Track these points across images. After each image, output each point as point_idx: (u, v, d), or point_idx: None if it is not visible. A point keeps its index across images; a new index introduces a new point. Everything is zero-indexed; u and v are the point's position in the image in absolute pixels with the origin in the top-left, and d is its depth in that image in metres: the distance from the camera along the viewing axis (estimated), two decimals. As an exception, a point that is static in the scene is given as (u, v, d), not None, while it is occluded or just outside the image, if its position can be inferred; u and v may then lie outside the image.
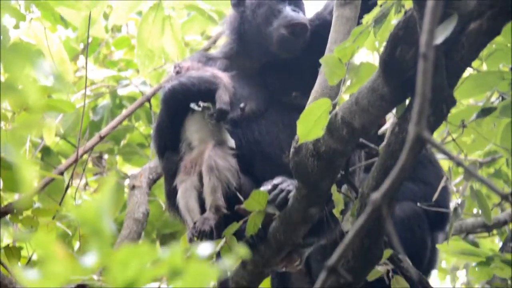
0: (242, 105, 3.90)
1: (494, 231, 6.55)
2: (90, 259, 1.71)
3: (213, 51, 4.41)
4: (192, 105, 3.81)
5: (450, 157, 1.74)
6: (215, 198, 3.69)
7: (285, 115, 3.92)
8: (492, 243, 6.88)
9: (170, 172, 3.93)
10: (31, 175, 1.93)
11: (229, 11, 4.40)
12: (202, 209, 3.75)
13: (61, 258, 1.68)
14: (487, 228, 6.23)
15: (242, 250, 2.18)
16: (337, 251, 1.43)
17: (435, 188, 4.12)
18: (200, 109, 3.80)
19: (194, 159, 3.83)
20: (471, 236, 6.48)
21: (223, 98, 3.80)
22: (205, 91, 3.83)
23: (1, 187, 4.14)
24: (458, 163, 1.78)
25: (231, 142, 3.84)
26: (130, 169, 6.30)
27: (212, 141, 3.82)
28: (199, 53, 4.46)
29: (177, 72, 3.96)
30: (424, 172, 5.04)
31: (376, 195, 1.45)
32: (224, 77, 3.91)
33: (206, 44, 6.02)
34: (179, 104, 3.86)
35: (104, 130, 5.49)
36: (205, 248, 1.73)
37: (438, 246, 3.87)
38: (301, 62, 4.02)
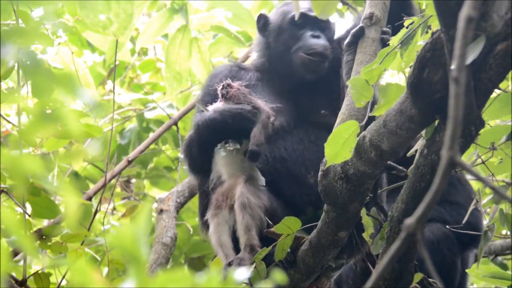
0: (272, 119, 3.86)
1: (523, 253, 6.48)
2: (128, 286, 1.71)
3: (246, 63, 4.40)
4: (219, 146, 3.78)
5: (482, 180, 1.72)
6: (250, 237, 3.65)
7: (311, 133, 3.90)
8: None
9: (203, 194, 3.94)
10: (74, 200, 1.93)
11: (256, 33, 4.42)
12: (234, 243, 3.72)
13: (98, 284, 1.67)
14: (516, 250, 6.17)
15: (278, 276, 2.16)
16: (371, 278, 1.42)
17: (465, 209, 4.08)
18: (224, 154, 3.76)
19: (224, 193, 3.78)
20: (499, 258, 6.42)
21: (257, 138, 3.71)
22: (239, 129, 3.76)
23: (30, 213, 4.15)
24: (490, 186, 1.76)
25: (261, 180, 3.79)
26: (157, 193, 6.29)
27: (242, 176, 3.76)
28: (233, 62, 4.46)
29: (223, 95, 3.85)
30: (454, 193, 4.99)
31: (410, 221, 1.44)
32: (265, 111, 3.80)
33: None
34: (211, 138, 3.82)
35: (131, 154, 5.50)
36: (241, 273, 1.72)
37: (467, 270, 3.84)
38: (329, 81, 4.01)
